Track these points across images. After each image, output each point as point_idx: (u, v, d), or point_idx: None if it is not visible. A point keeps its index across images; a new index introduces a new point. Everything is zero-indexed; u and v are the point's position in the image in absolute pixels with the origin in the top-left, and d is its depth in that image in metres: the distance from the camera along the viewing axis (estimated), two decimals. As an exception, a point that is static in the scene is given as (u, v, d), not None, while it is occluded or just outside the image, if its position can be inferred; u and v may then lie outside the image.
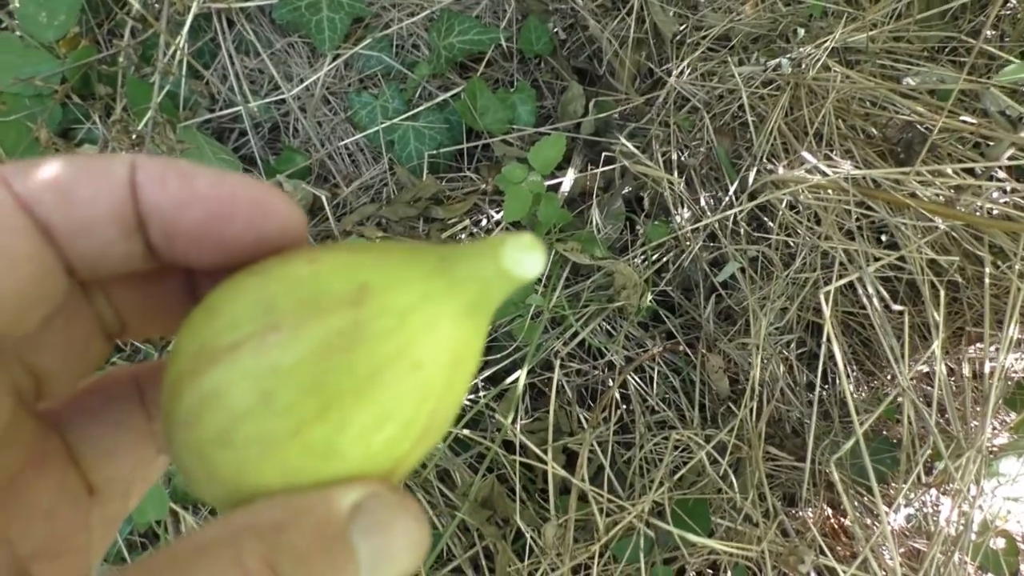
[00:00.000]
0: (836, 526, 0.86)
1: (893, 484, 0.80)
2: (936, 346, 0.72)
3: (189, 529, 0.77)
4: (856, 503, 0.79)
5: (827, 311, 0.65)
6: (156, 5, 0.94)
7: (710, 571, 0.82)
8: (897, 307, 0.63)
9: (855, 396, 0.90)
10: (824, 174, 0.74)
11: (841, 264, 0.75)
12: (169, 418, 0.17)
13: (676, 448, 0.78)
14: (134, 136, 0.91)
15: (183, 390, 0.16)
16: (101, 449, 0.20)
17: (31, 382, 0.19)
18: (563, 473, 0.70)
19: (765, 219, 0.89)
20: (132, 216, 0.17)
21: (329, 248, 0.17)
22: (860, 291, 0.71)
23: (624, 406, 0.87)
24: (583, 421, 0.85)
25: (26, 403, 0.19)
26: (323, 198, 0.88)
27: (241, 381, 0.16)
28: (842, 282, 0.67)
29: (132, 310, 0.20)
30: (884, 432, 0.87)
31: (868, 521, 0.78)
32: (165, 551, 0.15)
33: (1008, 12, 0.91)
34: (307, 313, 0.16)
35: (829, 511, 0.85)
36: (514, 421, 0.81)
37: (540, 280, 0.84)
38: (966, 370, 0.80)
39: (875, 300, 0.68)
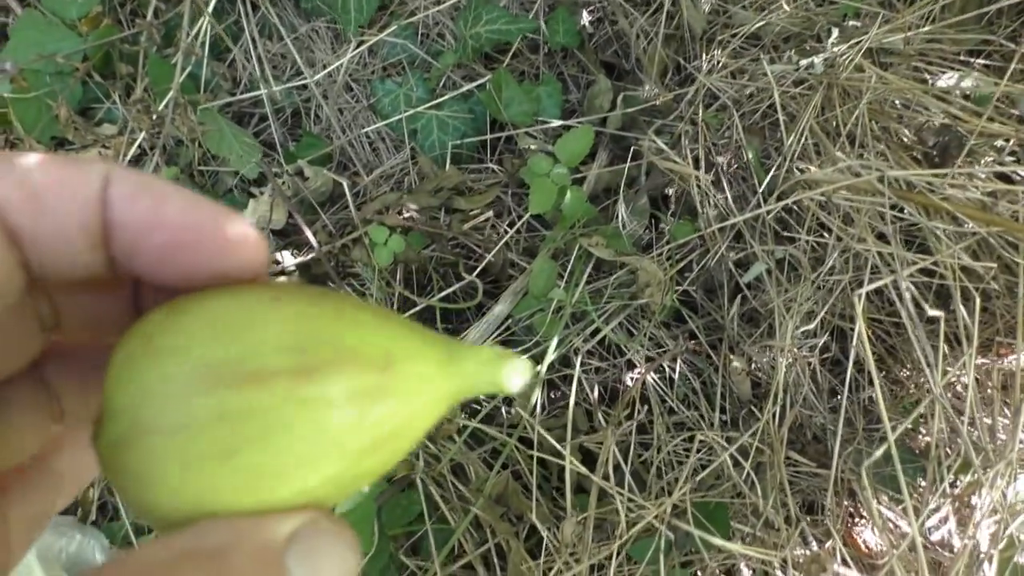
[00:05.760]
0: (854, 536, 0.84)
1: (915, 495, 0.78)
2: (970, 354, 0.70)
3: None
4: (879, 513, 0.77)
5: (860, 314, 0.64)
6: (181, -15, 0.93)
7: (725, 577, 0.80)
8: (933, 312, 0.61)
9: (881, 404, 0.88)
10: (858, 175, 0.73)
11: (873, 268, 0.73)
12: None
13: (697, 450, 0.76)
14: (154, 116, 0.90)
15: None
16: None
17: None
18: (582, 469, 0.69)
19: (792, 221, 0.87)
20: (99, 229, 0.17)
21: (285, 288, 0.18)
22: (894, 296, 0.69)
23: (643, 407, 0.86)
24: (601, 419, 0.83)
25: None
26: (344, 185, 0.87)
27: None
28: (876, 285, 0.66)
29: (73, 313, 0.21)
30: (907, 442, 0.85)
31: (887, 535, 0.77)
32: (108, 571, 0.15)
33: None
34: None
35: (850, 519, 0.84)
36: (531, 416, 0.79)
37: (562, 275, 0.83)
38: (995, 381, 0.78)
39: (909, 305, 0.66)
